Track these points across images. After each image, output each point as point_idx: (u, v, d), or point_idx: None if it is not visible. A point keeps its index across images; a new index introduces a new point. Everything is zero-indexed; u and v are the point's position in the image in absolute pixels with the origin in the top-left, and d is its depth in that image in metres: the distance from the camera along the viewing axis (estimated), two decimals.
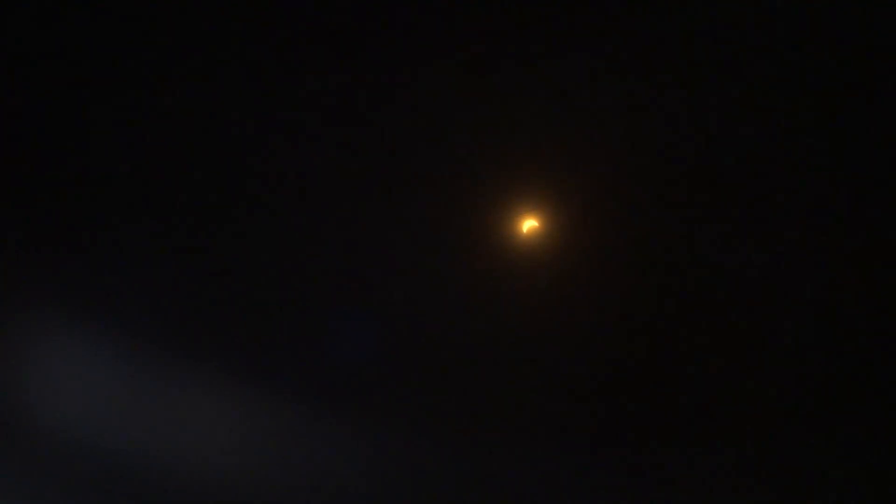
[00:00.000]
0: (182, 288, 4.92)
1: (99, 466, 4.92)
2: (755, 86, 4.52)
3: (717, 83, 4.52)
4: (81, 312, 4.85)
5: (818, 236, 4.62)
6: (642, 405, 4.85)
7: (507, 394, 4.94)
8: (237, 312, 4.92)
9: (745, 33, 4.48)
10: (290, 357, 4.93)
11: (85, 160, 4.76)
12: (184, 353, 4.95)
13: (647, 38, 4.49)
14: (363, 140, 4.72)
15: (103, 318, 4.88)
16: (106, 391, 4.92)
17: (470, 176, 4.70)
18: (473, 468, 4.96)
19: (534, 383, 4.93)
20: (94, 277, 4.85)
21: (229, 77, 4.69)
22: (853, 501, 4.77)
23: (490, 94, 4.64)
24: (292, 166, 4.78)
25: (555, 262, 4.76)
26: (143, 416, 4.96)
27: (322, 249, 4.83)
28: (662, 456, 4.86)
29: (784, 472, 4.82)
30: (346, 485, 5.00)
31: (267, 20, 4.62)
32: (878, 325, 4.73)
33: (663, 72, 4.53)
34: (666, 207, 4.67)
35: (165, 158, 4.78)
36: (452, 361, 4.90)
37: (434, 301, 4.83)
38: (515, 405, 4.94)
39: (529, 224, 4.75)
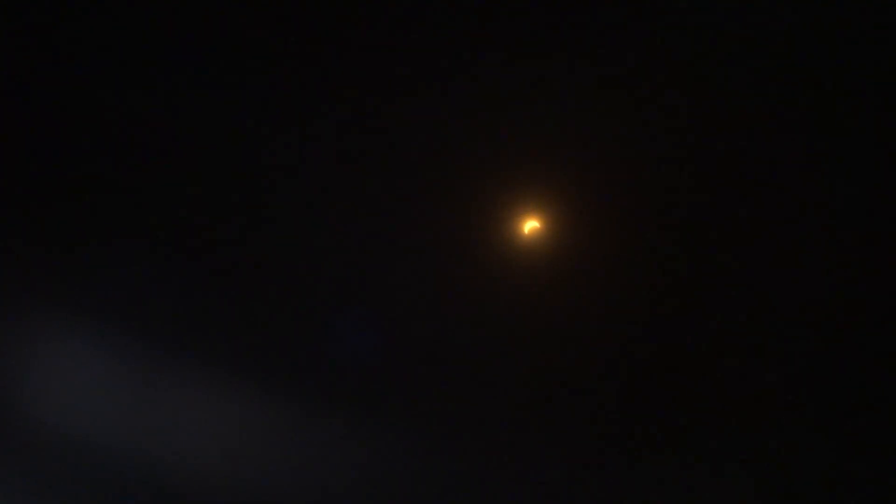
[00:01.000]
0: (182, 288, 4.91)
1: (99, 466, 4.91)
2: (758, 87, 4.53)
3: (720, 84, 4.53)
4: (81, 312, 4.83)
5: (820, 237, 4.63)
6: (644, 406, 4.85)
7: (507, 395, 4.93)
8: (237, 312, 4.91)
9: (747, 34, 4.49)
10: (290, 357, 4.92)
11: (85, 160, 4.74)
12: (183, 352, 4.93)
13: (650, 39, 4.50)
14: (364, 140, 4.71)
15: (103, 317, 4.86)
16: (105, 391, 4.90)
17: (471, 177, 4.70)
18: (474, 469, 4.95)
19: (534, 384, 4.92)
20: (93, 277, 4.83)
21: (231, 77, 4.68)
22: (853, 501, 4.78)
23: (491, 94, 4.63)
24: (293, 166, 4.77)
25: (556, 263, 4.76)
26: (143, 416, 4.95)
27: (323, 250, 4.82)
28: (663, 457, 4.86)
29: (785, 472, 4.83)
30: (346, 485, 4.99)
31: (268, 20, 4.62)
32: (878, 325, 4.74)
33: (666, 73, 4.53)
34: (667, 208, 4.67)
35: (166, 158, 4.77)
36: (453, 362, 4.90)
37: (435, 302, 4.83)
38: (516, 406, 4.93)
39: (531, 225, 4.74)
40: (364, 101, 4.67)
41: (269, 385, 4.95)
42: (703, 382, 4.80)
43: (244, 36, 4.65)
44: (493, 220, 4.75)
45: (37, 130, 4.71)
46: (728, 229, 4.69)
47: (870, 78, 4.61)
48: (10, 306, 4.80)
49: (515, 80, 4.61)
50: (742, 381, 4.78)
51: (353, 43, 4.60)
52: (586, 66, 4.56)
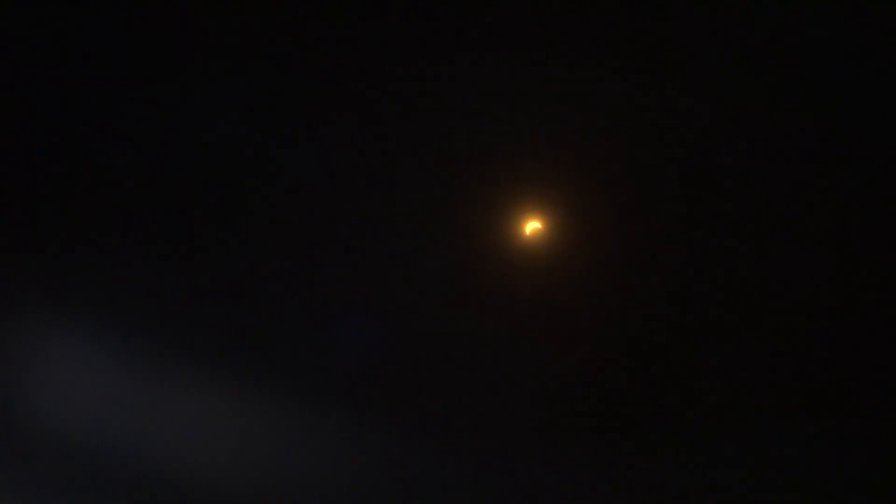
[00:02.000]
0: (181, 288, 4.89)
1: (98, 467, 4.90)
2: (761, 87, 4.53)
3: (724, 85, 4.53)
4: (81, 312, 4.82)
5: (822, 238, 4.63)
6: (645, 406, 4.85)
7: (509, 395, 4.93)
8: (239, 313, 4.90)
9: (749, 34, 4.49)
10: (291, 357, 4.91)
11: (85, 160, 4.72)
12: (182, 352, 4.92)
13: (653, 39, 4.50)
14: (365, 141, 4.70)
15: (103, 318, 4.85)
16: (104, 391, 4.89)
17: (472, 177, 4.69)
18: (476, 469, 4.95)
19: (536, 384, 4.92)
20: (93, 277, 4.81)
21: (230, 76, 4.67)
22: (853, 501, 4.79)
23: (492, 95, 4.63)
24: (294, 167, 4.76)
25: (558, 263, 4.75)
26: (142, 417, 4.94)
27: (324, 250, 4.81)
28: (665, 457, 4.87)
29: (785, 471, 4.84)
30: (347, 485, 4.99)
31: (268, 18, 4.60)
32: (879, 325, 4.76)
33: (668, 73, 4.53)
34: (670, 209, 4.67)
35: (165, 157, 4.75)
36: (455, 363, 4.89)
37: (436, 302, 4.82)
38: (518, 406, 4.93)
39: (532, 226, 4.74)
40: (365, 101, 4.66)
41: (271, 385, 4.95)
42: (705, 382, 4.80)
43: (245, 35, 4.63)
44: (494, 221, 4.75)
45: (37, 131, 4.70)
46: (730, 230, 4.69)
47: (871, 78, 4.62)
48: (11, 307, 4.78)
49: (517, 81, 4.61)
50: (744, 381, 4.78)
51: (354, 43, 4.59)
52: (588, 67, 4.56)
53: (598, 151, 4.64)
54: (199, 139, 4.76)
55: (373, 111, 4.68)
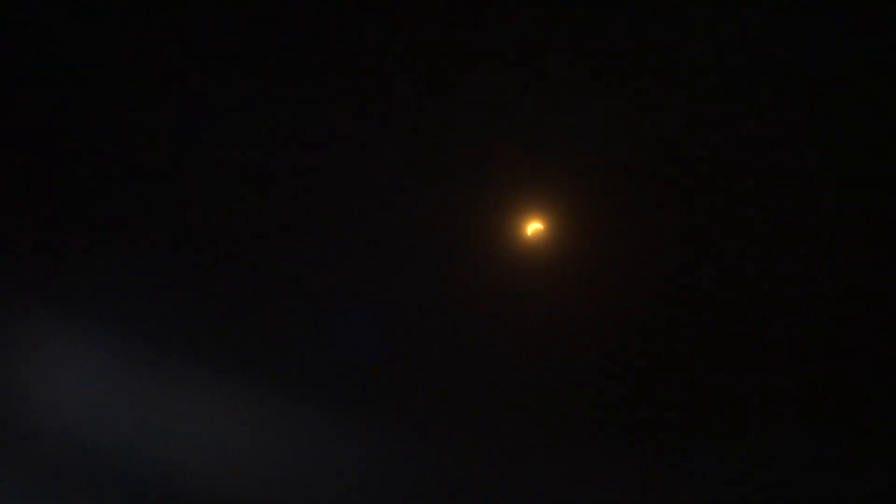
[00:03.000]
0: (181, 287, 4.89)
1: (99, 466, 4.89)
2: (763, 87, 4.54)
3: (725, 85, 4.54)
4: (82, 313, 4.81)
5: (823, 238, 4.65)
6: (647, 409, 4.86)
7: (510, 396, 4.93)
8: (239, 312, 4.89)
9: (750, 35, 4.50)
10: (293, 358, 4.91)
11: (86, 160, 4.71)
12: (183, 352, 4.91)
13: (655, 39, 4.50)
14: (367, 141, 4.70)
15: (103, 318, 4.84)
16: (105, 392, 4.88)
17: (474, 178, 4.69)
18: (477, 469, 4.95)
19: (537, 386, 4.92)
20: (93, 278, 4.80)
21: (231, 75, 4.66)
22: (853, 501, 4.81)
23: (494, 95, 4.63)
24: (295, 167, 4.75)
25: (559, 264, 4.75)
26: (142, 417, 4.93)
27: (326, 251, 4.80)
28: (666, 457, 4.87)
29: (785, 471, 4.85)
30: (348, 486, 4.98)
31: (270, 18, 4.59)
32: (879, 325, 4.77)
33: (670, 74, 4.54)
34: (671, 210, 4.68)
35: (166, 157, 4.74)
36: (456, 364, 4.89)
37: (438, 303, 4.82)
38: (519, 408, 4.93)
39: (534, 227, 4.74)
40: (367, 102, 4.66)
41: (272, 385, 4.94)
42: (707, 382, 4.81)
43: (247, 34, 4.63)
44: (496, 222, 4.75)
45: (37, 130, 4.68)
46: (732, 231, 4.70)
47: (871, 79, 4.63)
48: (12, 307, 4.77)
49: (518, 82, 4.61)
50: (745, 382, 4.79)
51: (356, 43, 4.59)
52: (590, 68, 4.56)
53: (599, 152, 4.64)
54: (199, 140, 4.75)
55: (374, 112, 4.68)
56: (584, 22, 4.53)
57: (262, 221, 4.83)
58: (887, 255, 4.72)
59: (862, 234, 4.71)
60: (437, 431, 4.94)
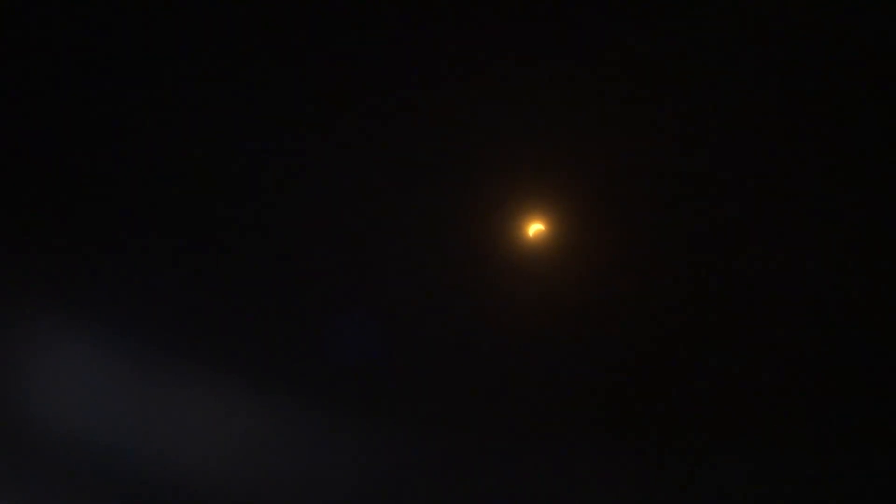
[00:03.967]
0: (181, 288, 4.88)
1: (99, 467, 4.87)
2: (766, 90, 4.55)
3: (727, 86, 4.55)
4: (81, 314, 4.80)
5: (824, 239, 4.65)
6: (649, 410, 4.86)
7: (511, 398, 4.92)
8: (240, 312, 4.89)
9: (752, 36, 4.51)
10: (294, 359, 4.90)
11: (86, 160, 4.70)
12: (182, 353, 4.90)
13: (656, 40, 4.51)
14: (368, 142, 4.69)
15: (102, 318, 4.83)
16: (105, 392, 4.87)
17: (475, 179, 4.69)
18: (477, 470, 4.95)
19: (538, 387, 4.92)
20: (93, 277, 4.79)
21: (232, 74, 4.66)
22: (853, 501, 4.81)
23: (496, 96, 4.63)
24: (295, 168, 4.75)
25: (561, 265, 4.75)
26: (143, 417, 4.92)
27: (327, 252, 4.80)
28: (667, 459, 4.87)
29: (786, 471, 4.85)
30: (349, 486, 4.97)
31: (271, 17, 4.59)
32: (879, 326, 4.78)
33: (672, 74, 4.55)
34: (672, 211, 4.68)
35: (165, 156, 4.74)
36: (457, 365, 4.88)
37: (439, 304, 4.81)
38: (520, 409, 4.93)
39: (535, 228, 4.74)
40: (368, 102, 4.65)
41: (273, 386, 4.93)
42: (711, 384, 4.81)
43: (248, 34, 4.62)
44: (497, 223, 4.74)
45: (37, 131, 4.67)
46: (733, 232, 4.71)
47: (870, 80, 4.64)
48: (12, 308, 4.76)
49: (520, 83, 4.61)
50: (747, 383, 4.80)
51: (358, 42, 4.59)
52: (592, 69, 4.57)
53: (601, 153, 4.65)
54: (200, 140, 4.75)
55: (375, 113, 4.67)
56: (587, 23, 4.54)
57: (263, 222, 4.82)
58: (887, 257, 4.73)
59: (863, 238, 4.72)
60: (439, 432, 4.93)
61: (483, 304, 4.81)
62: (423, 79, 4.62)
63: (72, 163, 4.72)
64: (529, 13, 4.52)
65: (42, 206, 4.74)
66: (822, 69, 4.60)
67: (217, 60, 4.64)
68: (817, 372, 4.80)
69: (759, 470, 4.82)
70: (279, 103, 4.70)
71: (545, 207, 4.72)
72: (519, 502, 4.96)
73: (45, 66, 4.60)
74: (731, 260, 4.74)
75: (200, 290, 4.89)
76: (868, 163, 4.68)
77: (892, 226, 4.70)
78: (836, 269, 4.75)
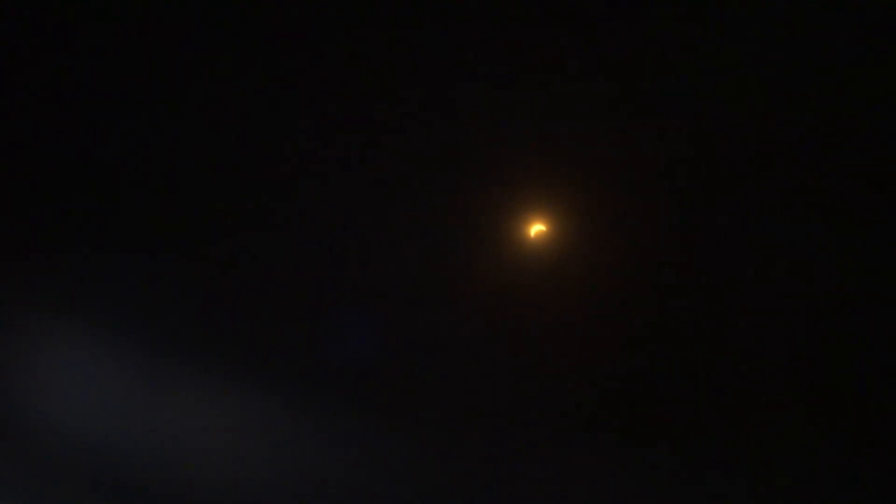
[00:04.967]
0: (181, 289, 4.87)
1: (100, 467, 4.88)
2: (767, 89, 4.54)
3: (729, 87, 4.54)
4: (83, 315, 4.79)
5: (829, 239, 4.66)
6: (650, 410, 4.88)
7: (512, 397, 4.94)
8: (241, 314, 4.88)
9: (754, 36, 4.49)
10: (296, 359, 4.91)
11: (86, 161, 4.68)
12: (183, 354, 4.91)
13: (658, 42, 4.49)
14: (370, 143, 4.68)
15: (103, 319, 4.83)
16: (105, 393, 4.87)
17: (478, 180, 4.68)
18: (478, 470, 4.97)
19: (539, 387, 4.94)
20: (94, 279, 4.78)
21: (232, 76, 4.63)
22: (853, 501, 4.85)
23: (497, 97, 4.61)
24: (298, 169, 4.73)
25: (562, 266, 4.76)
26: (143, 418, 4.93)
27: (329, 253, 4.79)
28: (668, 458, 4.90)
29: (786, 471, 4.89)
30: (349, 486, 4.99)
31: (271, 20, 4.56)
32: (877, 325, 4.79)
33: (674, 76, 4.53)
34: (673, 212, 4.68)
35: (166, 158, 4.72)
36: (459, 365, 4.90)
37: (441, 305, 4.82)
38: (521, 409, 4.95)
39: (537, 228, 4.74)
40: (370, 104, 4.63)
41: (273, 386, 4.94)
42: (708, 383, 4.83)
43: (248, 34, 4.59)
44: (499, 224, 4.74)
45: (37, 131, 4.65)
46: (734, 232, 4.71)
47: (871, 79, 4.63)
48: (15, 310, 4.75)
49: (522, 84, 4.59)
50: (748, 383, 4.82)
51: (360, 44, 4.56)
52: (593, 70, 4.55)
53: (602, 154, 4.64)
54: (201, 141, 4.72)
55: (377, 114, 4.66)
56: (588, 24, 4.51)
57: (264, 222, 4.81)
58: (886, 257, 4.74)
59: (862, 237, 4.73)
60: (440, 432, 4.95)
61: (484, 305, 4.82)
62: (424, 81, 4.60)
63: (76, 166, 4.70)
64: (533, 15, 4.49)
65: (43, 207, 4.72)
66: (822, 69, 4.59)
67: (222, 62, 4.62)
68: (818, 372, 4.83)
69: (760, 470, 4.86)
70: (282, 105, 4.68)
71: (547, 208, 4.71)
72: (519, 502, 4.99)
73: (47, 68, 4.57)
74: (732, 261, 4.75)
75: (202, 292, 4.89)
76: (868, 163, 4.68)
77: (892, 226, 4.71)
78: (836, 269, 4.76)
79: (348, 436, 4.98)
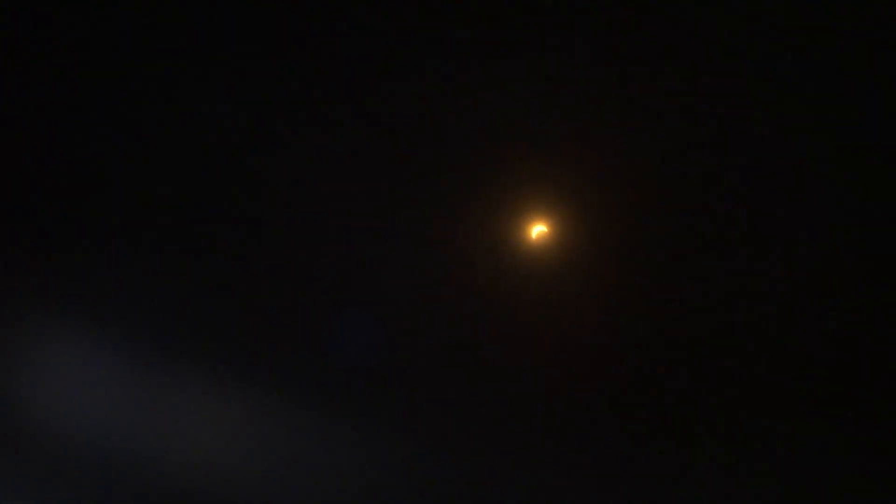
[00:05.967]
0: (182, 289, 4.86)
1: (99, 468, 4.86)
2: (771, 89, 4.54)
3: (730, 87, 4.54)
4: (82, 314, 4.78)
5: (830, 239, 4.66)
6: (650, 411, 4.87)
7: (514, 398, 4.93)
8: (242, 314, 4.87)
9: (760, 35, 4.50)
10: (297, 360, 4.89)
11: (86, 161, 4.67)
12: (183, 354, 4.89)
13: (660, 43, 4.50)
14: (372, 144, 4.67)
15: (104, 320, 4.81)
16: (106, 392, 4.86)
17: (479, 181, 4.68)
18: (478, 471, 4.95)
19: (540, 388, 4.92)
20: (94, 280, 4.77)
21: (233, 77, 4.62)
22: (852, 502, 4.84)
23: (499, 98, 4.61)
24: (298, 169, 4.73)
25: (563, 266, 4.75)
26: (143, 418, 4.91)
27: (330, 254, 4.78)
28: (669, 461, 4.88)
29: (786, 472, 4.87)
30: (348, 486, 4.97)
31: (271, 20, 4.56)
32: (878, 324, 4.79)
33: (675, 76, 4.54)
34: (675, 213, 4.68)
35: (166, 159, 4.71)
36: (461, 366, 4.88)
37: (443, 306, 4.81)
38: (522, 409, 4.93)
39: (538, 229, 4.73)
40: (371, 104, 4.63)
41: (274, 387, 4.93)
42: (709, 384, 4.82)
43: (248, 32, 4.59)
44: (500, 224, 4.73)
45: (37, 131, 4.64)
46: (736, 233, 4.71)
47: (870, 80, 4.64)
48: (15, 309, 4.73)
49: (523, 84, 4.59)
50: (749, 384, 4.81)
51: (361, 44, 4.56)
52: (595, 71, 4.55)
53: (603, 155, 4.64)
54: (200, 141, 4.72)
55: (379, 115, 4.65)
56: (590, 24, 4.52)
57: (265, 222, 4.80)
58: (886, 257, 4.74)
59: (862, 236, 4.73)
60: (440, 433, 4.93)
61: (485, 305, 4.81)
62: (426, 81, 4.60)
63: (74, 165, 4.69)
64: (534, 15, 4.50)
65: (44, 208, 4.71)
66: (822, 69, 4.60)
67: (222, 62, 4.61)
68: (820, 371, 4.82)
69: (759, 471, 4.85)
70: (282, 105, 4.68)
71: (548, 209, 4.71)
72: (518, 501, 4.98)
73: (47, 68, 4.56)
74: (733, 261, 4.75)
75: (202, 292, 4.88)
76: (868, 163, 4.69)
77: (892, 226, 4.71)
78: (837, 269, 4.76)
79: (348, 436, 4.96)
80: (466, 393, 4.89)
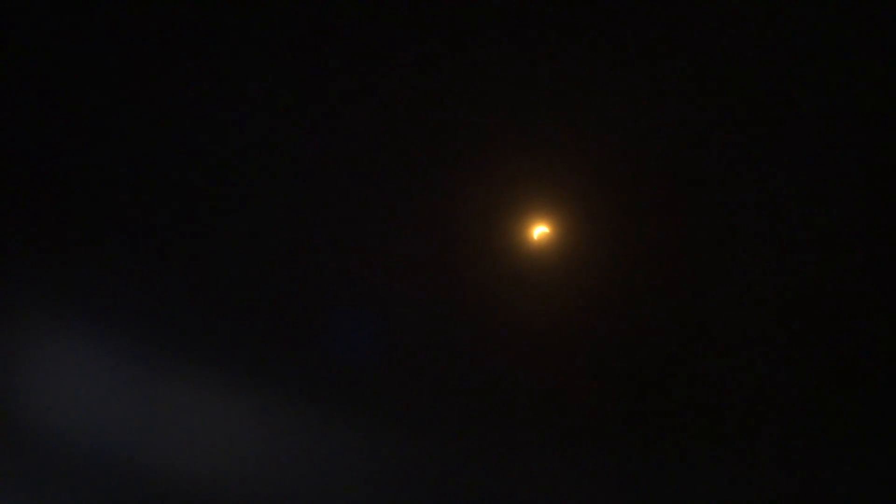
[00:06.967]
0: (182, 288, 4.85)
1: (99, 468, 4.85)
2: (773, 88, 4.55)
3: (732, 88, 4.55)
4: (82, 314, 4.76)
5: (831, 239, 4.67)
6: (651, 411, 4.87)
7: (514, 399, 4.92)
8: (241, 313, 4.86)
9: (761, 33, 4.50)
10: (298, 361, 4.89)
11: (85, 160, 4.66)
12: (183, 353, 4.88)
13: (661, 43, 4.49)
14: (373, 144, 4.66)
15: (103, 320, 4.80)
16: (105, 392, 4.85)
17: (480, 181, 4.67)
18: (479, 471, 4.95)
19: (541, 388, 4.92)
20: (94, 278, 4.75)
21: (232, 76, 4.61)
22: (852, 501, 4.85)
23: (500, 98, 4.61)
24: (299, 169, 4.72)
25: (565, 267, 4.75)
26: (143, 418, 4.90)
27: (331, 254, 4.77)
28: (670, 462, 4.89)
29: (786, 472, 4.89)
30: (348, 486, 4.97)
31: (271, 19, 4.54)
32: (878, 325, 4.81)
33: (677, 77, 4.54)
34: (677, 213, 4.68)
35: (165, 157, 4.69)
36: (462, 367, 4.88)
37: (444, 307, 4.80)
38: (524, 410, 4.93)
39: (540, 230, 4.73)
40: (372, 104, 4.62)
41: (274, 386, 4.92)
42: (711, 386, 4.83)
43: (247, 31, 4.57)
44: (502, 225, 4.73)
45: (37, 131, 4.62)
46: (737, 233, 4.72)
47: (871, 81, 4.65)
48: (12, 308, 4.71)
49: (525, 85, 4.59)
50: (750, 385, 4.82)
51: (360, 42, 4.55)
52: (596, 71, 4.55)
53: (606, 155, 4.64)
54: (199, 141, 4.70)
55: (379, 114, 4.64)
56: (591, 24, 4.52)
57: (265, 222, 4.79)
58: (886, 257, 4.75)
59: (862, 236, 4.74)
60: (441, 433, 4.93)
61: (486, 306, 4.80)
62: (427, 80, 4.59)
63: (72, 163, 4.67)
64: (537, 17, 4.49)
65: (43, 208, 4.69)
66: (822, 69, 4.60)
67: (221, 61, 4.60)
68: (821, 375, 4.83)
69: (758, 471, 4.86)
70: (282, 104, 4.66)
71: (549, 210, 4.70)
72: (519, 502, 4.98)
73: (47, 68, 4.54)
74: (734, 261, 4.75)
75: (202, 291, 4.87)
76: (867, 163, 4.70)
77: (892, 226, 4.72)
78: (837, 269, 4.77)
79: (350, 436, 4.95)
80: (468, 393, 4.89)
